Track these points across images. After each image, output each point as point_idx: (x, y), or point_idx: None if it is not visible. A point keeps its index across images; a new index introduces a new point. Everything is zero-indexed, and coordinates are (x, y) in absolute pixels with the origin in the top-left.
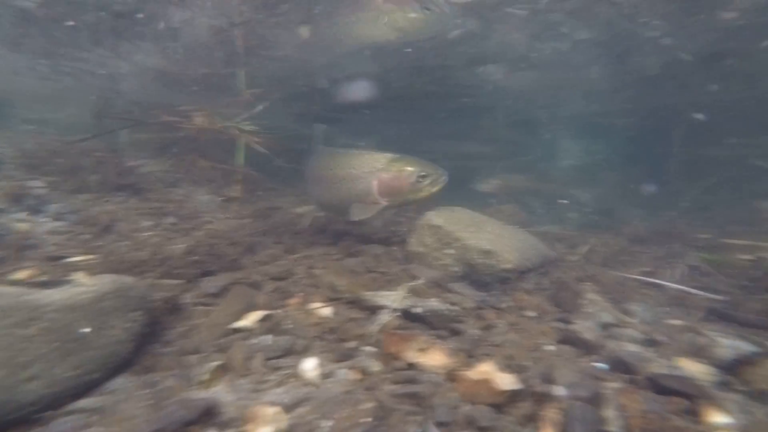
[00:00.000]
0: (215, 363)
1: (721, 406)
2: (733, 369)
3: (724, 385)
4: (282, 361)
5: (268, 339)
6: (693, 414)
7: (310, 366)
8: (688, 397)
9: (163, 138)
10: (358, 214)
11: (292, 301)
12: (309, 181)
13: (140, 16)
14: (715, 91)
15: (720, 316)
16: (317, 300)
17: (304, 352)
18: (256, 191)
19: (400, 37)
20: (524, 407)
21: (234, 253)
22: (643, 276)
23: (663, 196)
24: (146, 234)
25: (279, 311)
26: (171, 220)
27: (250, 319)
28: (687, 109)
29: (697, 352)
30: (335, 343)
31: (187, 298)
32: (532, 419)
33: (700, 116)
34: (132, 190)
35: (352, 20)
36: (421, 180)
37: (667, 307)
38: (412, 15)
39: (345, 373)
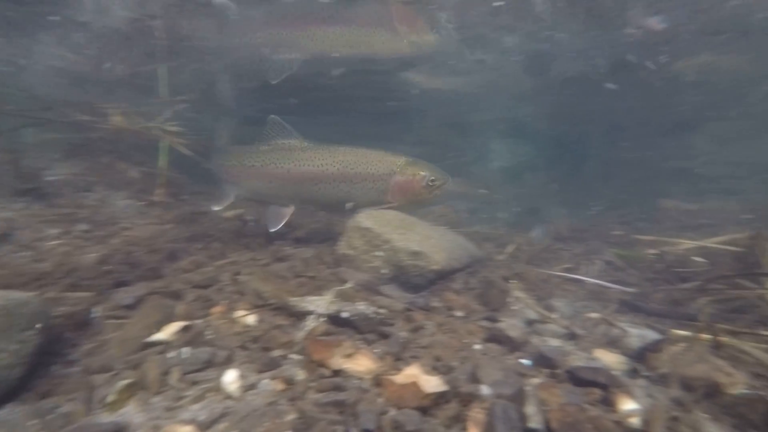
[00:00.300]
0: (125, 381)
1: (629, 393)
2: (641, 357)
3: (633, 373)
4: (201, 375)
5: (187, 351)
6: (607, 403)
7: (231, 378)
8: (603, 387)
9: (76, 138)
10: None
11: (215, 309)
12: (269, 177)
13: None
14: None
15: (631, 307)
16: (242, 308)
17: (226, 363)
18: (181, 195)
19: (414, 52)
20: (450, 409)
21: (153, 261)
22: (564, 272)
23: (583, 195)
24: (52, 243)
25: (200, 321)
26: (83, 227)
27: (167, 331)
28: (602, 114)
29: (611, 343)
30: (259, 352)
31: (97, 311)
32: (457, 420)
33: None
34: (36, 195)
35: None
36: (431, 184)
37: (586, 301)
38: (425, 36)
39: (268, 384)
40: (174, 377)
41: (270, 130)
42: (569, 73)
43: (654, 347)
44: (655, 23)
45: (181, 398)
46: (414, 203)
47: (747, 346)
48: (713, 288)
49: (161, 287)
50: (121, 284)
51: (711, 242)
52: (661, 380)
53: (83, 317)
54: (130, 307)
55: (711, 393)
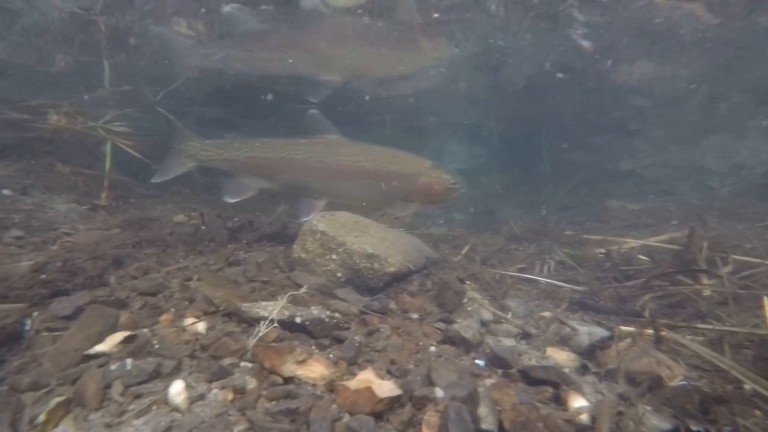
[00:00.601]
0: (60, 398)
1: (579, 390)
2: (590, 354)
3: (583, 369)
4: (145, 387)
5: (131, 363)
6: (559, 401)
7: (177, 389)
8: (555, 386)
9: (7, 138)
10: (399, 211)
11: (163, 317)
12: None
13: None
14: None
15: (581, 305)
16: (191, 315)
17: (173, 374)
18: (128, 199)
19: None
20: (404, 413)
21: (95, 269)
22: (518, 272)
23: (536, 196)
24: None
25: (146, 330)
26: (15, 233)
27: (110, 342)
28: (553, 117)
29: (563, 341)
30: (209, 361)
31: (30, 324)
32: (411, 424)
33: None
34: None
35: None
36: (451, 186)
37: (539, 301)
38: (447, 50)
39: (217, 394)
40: (116, 391)
41: (310, 124)
42: (519, 77)
43: (602, 344)
44: (586, 45)
45: (123, 413)
46: (433, 203)
47: (685, 339)
48: (655, 285)
49: (104, 296)
50: (58, 294)
51: (653, 241)
52: (609, 376)
53: (13, 330)
54: (69, 317)
55: (654, 386)
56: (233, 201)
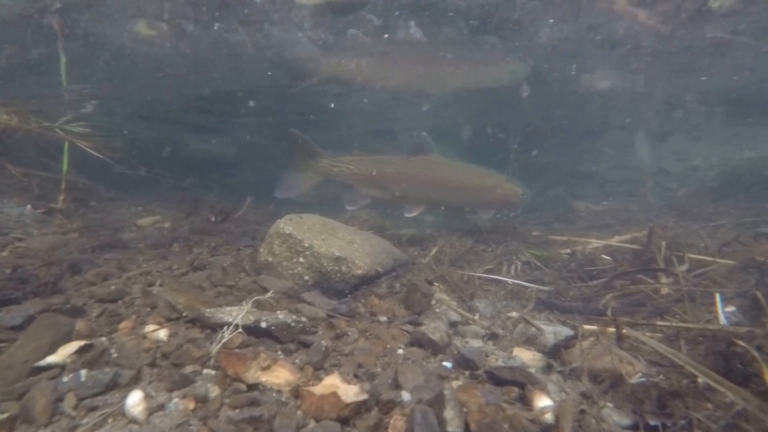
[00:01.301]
0: (3, 415)
1: (544, 390)
2: (555, 353)
3: (549, 369)
4: (101, 399)
5: (84, 374)
6: (524, 401)
7: (135, 400)
8: (521, 386)
9: None
10: (485, 215)
11: (123, 325)
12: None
13: None
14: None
15: (547, 305)
16: (153, 322)
17: (132, 384)
18: (88, 202)
19: (510, 80)
20: (370, 418)
21: (49, 276)
22: (486, 273)
23: None
24: None
25: (104, 339)
26: None
27: (63, 353)
28: (520, 120)
29: (529, 341)
30: (170, 369)
31: None
32: (378, 429)
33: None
34: None
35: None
36: (522, 196)
37: (506, 301)
38: (516, 65)
39: (178, 404)
40: (68, 404)
41: (419, 144)
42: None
43: (567, 343)
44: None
45: (75, 428)
46: (506, 209)
47: (644, 336)
48: (617, 284)
49: (59, 303)
50: (7, 302)
51: (615, 241)
52: (573, 374)
53: None
54: (18, 328)
55: (615, 383)
56: (352, 209)
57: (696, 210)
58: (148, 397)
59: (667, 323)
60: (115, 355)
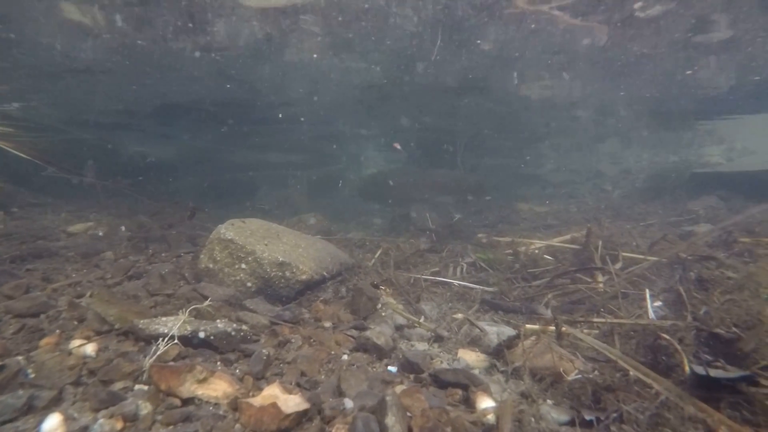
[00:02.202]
0: None
1: (487, 391)
2: (498, 353)
3: (492, 369)
4: (11, 427)
5: None
6: (467, 403)
7: (52, 424)
8: (464, 388)
9: None
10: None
11: (44, 341)
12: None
13: None
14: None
15: (491, 305)
16: (79, 336)
17: (50, 406)
18: (9, 207)
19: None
20: (312, 428)
21: None
22: (432, 275)
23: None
24: None
25: (20, 358)
26: None
27: None
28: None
29: (473, 342)
30: (96, 387)
31: None
32: None
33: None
34: None
35: None
36: None
37: (452, 303)
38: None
39: (103, 425)
40: None
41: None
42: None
43: (509, 343)
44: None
45: None
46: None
47: (581, 333)
48: (558, 284)
49: None
50: None
51: (556, 241)
52: (515, 374)
53: None
54: None
55: (555, 381)
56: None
57: (628, 211)
58: (69, 419)
59: (602, 320)
60: (33, 375)
